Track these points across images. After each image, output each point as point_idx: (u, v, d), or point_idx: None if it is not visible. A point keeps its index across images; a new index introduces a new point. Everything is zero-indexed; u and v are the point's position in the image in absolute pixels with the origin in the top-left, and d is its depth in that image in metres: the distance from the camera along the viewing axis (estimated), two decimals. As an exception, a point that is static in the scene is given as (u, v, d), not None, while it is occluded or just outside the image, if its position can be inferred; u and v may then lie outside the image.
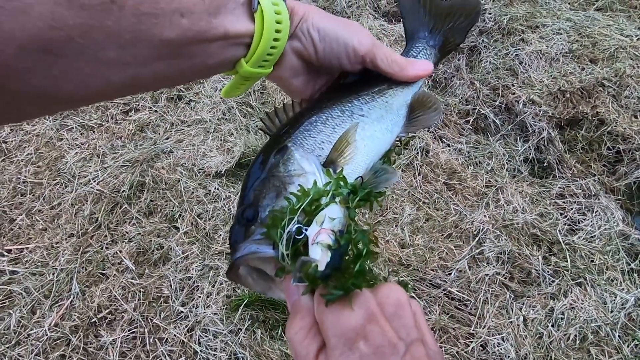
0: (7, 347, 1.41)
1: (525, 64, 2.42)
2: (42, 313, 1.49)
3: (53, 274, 1.58)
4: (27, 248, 1.66)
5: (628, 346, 1.42)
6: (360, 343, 0.28)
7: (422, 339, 0.30)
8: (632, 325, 1.46)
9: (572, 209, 1.81)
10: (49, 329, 1.44)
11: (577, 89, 2.22)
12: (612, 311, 1.49)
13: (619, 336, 1.43)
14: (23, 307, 1.50)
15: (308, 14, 0.45)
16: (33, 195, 1.84)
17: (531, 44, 2.50)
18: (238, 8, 0.41)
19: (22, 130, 2.08)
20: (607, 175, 1.97)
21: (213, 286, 1.54)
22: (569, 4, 2.84)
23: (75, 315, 1.47)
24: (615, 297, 1.52)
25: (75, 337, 1.42)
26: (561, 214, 1.79)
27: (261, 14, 0.41)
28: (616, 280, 1.58)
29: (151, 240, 1.66)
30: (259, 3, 0.41)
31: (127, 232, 1.69)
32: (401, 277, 1.58)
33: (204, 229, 1.70)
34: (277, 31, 0.42)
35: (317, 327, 0.32)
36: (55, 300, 1.52)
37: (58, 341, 1.43)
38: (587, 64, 2.35)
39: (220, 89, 2.28)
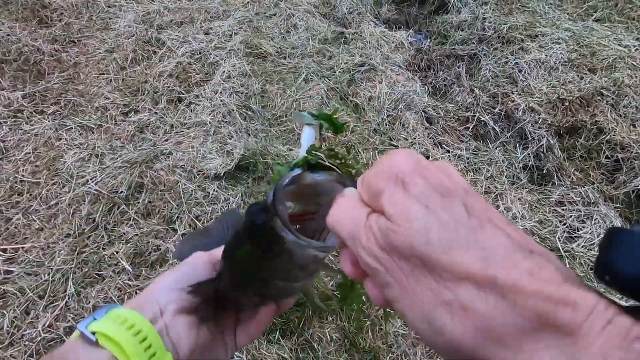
0: (0, 348, 1.38)
1: (525, 72, 2.44)
2: (36, 313, 1.47)
3: (48, 274, 1.56)
4: (22, 248, 1.64)
5: (628, 354, 1.41)
6: (418, 180, 0.25)
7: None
8: (631, 334, 1.46)
9: (571, 216, 1.81)
10: (42, 330, 1.42)
11: (576, 97, 2.23)
12: (611, 319, 1.48)
13: (618, 344, 1.43)
14: (17, 307, 1.47)
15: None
16: (30, 194, 1.82)
17: (530, 52, 2.52)
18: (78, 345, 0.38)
19: (21, 129, 2.06)
20: (606, 183, 1.97)
21: (210, 289, 1.53)
22: (567, 14, 2.87)
23: (70, 317, 1.45)
24: (615, 305, 1.52)
25: (69, 338, 1.40)
26: (560, 222, 1.79)
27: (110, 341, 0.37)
28: (615, 288, 1.57)
29: (148, 242, 1.65)
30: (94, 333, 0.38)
31: (125, 233, 1.67)
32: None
33: (202, 231, 1.69)
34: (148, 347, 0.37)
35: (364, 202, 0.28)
36: (50, 300, 1.50)
37: (52, 342, 1.41)
38: (585, 73, 2.36)
39: (221, 92, 2.28)
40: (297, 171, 0.33)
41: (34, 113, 2.15)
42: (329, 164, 0.33)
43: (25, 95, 2.22)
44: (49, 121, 2.10)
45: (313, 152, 0.34)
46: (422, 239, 0.23)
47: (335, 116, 0.40)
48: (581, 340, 0.20)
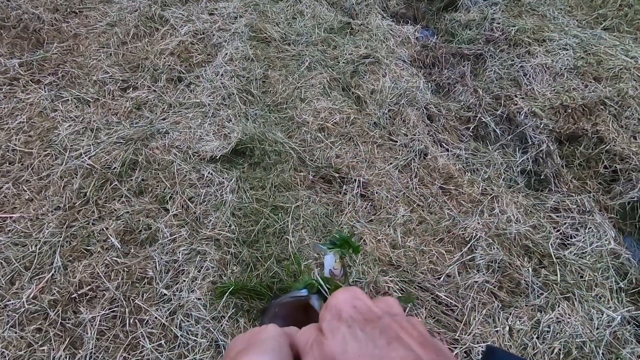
0: (-18, 317, 1.37)
1: (530, 76, 2.42)
2: (21, 284, 1.45)
3: (36, 245, 1.53)
4: (11, 217, 1.61)
5: (611, 364, 1.42)
6: (348, 309, 0.33)
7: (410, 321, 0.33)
8: (616, 344, 1.46)
9: (565, 223, 1.80)
10: (27, 301, 1.40)
11: (579, 105, 2.22)
12: (598, 328, 1.49)
13: (602, 354, 1.43)
14: (2, 277, 1.45)
15: None
16: (22, 164, 1.79)
17: (537, 56, 2.50)
18: None
19: (16, 97, 2.03)
20: (603, 193, 1.97)
21: (199, 271, 1.51)
22: (577, 20, 2.84)
23: (55, 290, 1.43)
24: (602, 315, 1.52)
25: (53, 311, 1.38)
26: (554, 228, 1.79)
27: None
28: (604, 297, 1.58)
29: (139, 220, 1.63)
30: None
31: (116, 210, 1.65)
32: (390, 277, 1.56)
33: (194, 212, 1.67)
34: None
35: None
36: (36, 272, 1.48)
37: (35, 314, 1.39)
38: (590, 82, 2.35)
39: (222, 74, 2.25)
40: (304, 292, 0.44)
41: (30, 82, 2.11)
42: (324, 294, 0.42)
43: (22, 63, 2.18)
44: (45, 91, 2.07)
45: (323, 281, 0.43)
46: (340, 348, 0.30)
47: (352, 239, 0.49)
48: None
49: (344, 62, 2.47)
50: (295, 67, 2.43)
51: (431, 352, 0.29)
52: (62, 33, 2.41)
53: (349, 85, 2.36)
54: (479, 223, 1.77)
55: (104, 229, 1.60)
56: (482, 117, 2.26)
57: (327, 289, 0.42)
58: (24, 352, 1.30)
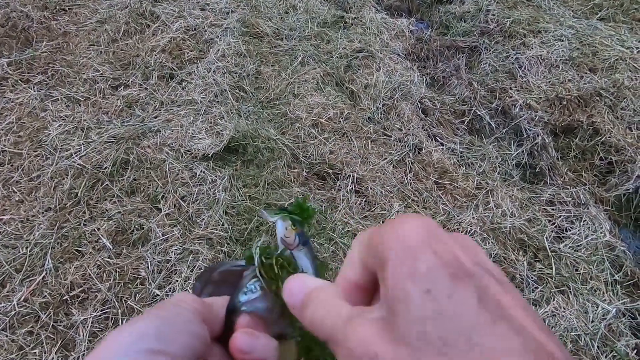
0: (-27, 320, 1.36)
1: (525, 68, 2.40)
2: (12, 287, 1.43)
3: (26, 247, 1.52)
4: (1, 220, 1.60)
5: (606, 357, 1.41)
6: (427, 255, 0.21)
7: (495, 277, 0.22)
8: (611, 337, 1.46)
9: (560, 216, 1.80)
10: (17, 304, 1.39)
11: (575, 97, 2.20)
12: (592, 321, 1.48)
13: (597, 346, 1.43)
14: (-8, 280, 1.44)
15: None
16: (11, 165, 1.78)
17: (532, 48, 2.48)
18: None
19: (5, 97, 2.00)
20: (598, 185, 1.96)
21: (192, 270, 1.50)
22: (572, 11, 2.82)
23: (46, 292, 1.42)
24: (597, 307, 1.52)
25: (45, 313, 1.37)
26: (549, 221, 1.78)
27: None
28: (599, 290, 1.57)
29: (131, 220, 1.61)
30: None
31: (107, 210, 1.64)
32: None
33: (187, 212, 1.65)
34: None
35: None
36: (27, 275, 1.47)
37: (27, 317, 1.38)
38: (586, 73, 2.33)
39: (215, 70, 2.22)
40: (243, 263, 0.39)
41: (19, 81, 2.09)
42: (266, 271, 0.37)
43: (10, 62, 2.15)
44: (34, 91, 2.04)
45: (262, 252, 0.38)
46: (415, 331, 0.19)
47: (306, 205, 0.42)
48: None
49: (337, 57, 2.44)
50: (288, 63, 2.40)
51: (552, 340, 0.20)
52: (51, 31, 2.38)
53: (343, 80, 2.34)
54: (473, 217, 1.76)
55: (96, 229, 1.58)
56: (477, 111, 2.24)
57: (263, 260, 0.37)
58: (16, 356, 1.29)
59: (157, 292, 1.45)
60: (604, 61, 2.37)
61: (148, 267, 1.50)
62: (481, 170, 1.98)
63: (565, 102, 2.20)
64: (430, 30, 2.88)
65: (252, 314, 0.35)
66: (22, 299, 1.41)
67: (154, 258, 1.52)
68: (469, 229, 1.71)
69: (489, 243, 1.68)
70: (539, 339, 0.19)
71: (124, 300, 1.43)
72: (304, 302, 0.27)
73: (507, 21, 2.68)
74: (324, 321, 0.24)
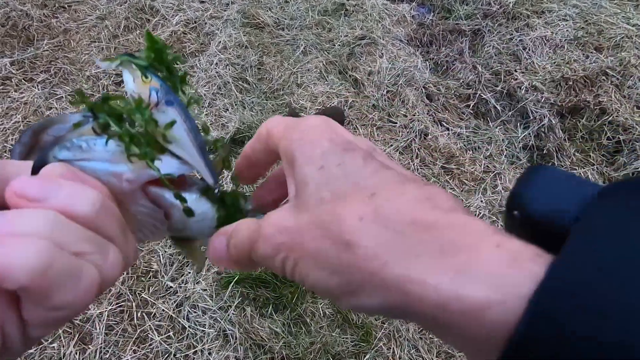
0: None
1: (529, 50, 2.38)
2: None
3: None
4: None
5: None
6: (323, 141, 0.24)
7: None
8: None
9: (569, 197, 1.79)
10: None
11: (581, 77, 2.18)
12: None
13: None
14: None
15: None
16: (20, 164, 1.79)
17: (536, 29, 2.45)
18: None
19: (10, 97, 2.01)
20: (606, 165, 1.95)
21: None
22: (576, -10, 2.78)
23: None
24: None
25: None
26: (558, 202, 1.77)
27: None
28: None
29: (141, 214, 1.62)
30: None
31: (117, 205, 1.65)
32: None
33: (196, 204, 1.66)
34: None
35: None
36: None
37: None
38: (591, 52, 2.31)
39: (217, 63, 2.21)
40: (77, 118, 0.28)
41: (23, 81, 2.09)
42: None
43: (13, 62, 2.15)
44: (38, 89, 2.04)
45: (99, 107, 0.27)
46: (314, 199, 0.22)
47: (158, 40, 0.29)
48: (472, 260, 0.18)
49: (339, 45, 2.43)
50: (291, 52, 2.39)
51: (419, 180, 0.23)
52: (52, 29, 2.37)
53: (346, 68, 2.33)
54: (482, 201, 1.76)
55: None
56: (482, 94, 2.22)
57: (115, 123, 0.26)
58: (35, 350, 1.32)
59: (170, 284, 1.46)
60: (610, 40, 2.34)
61: (160, 260, 1.51)
62: (488, 154, 1.97)
63: (571, 83, 2.18)
64: (432, 14, 2.85)
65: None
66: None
67: (165, 251, 1.53)
68: (477, 212, 1.71)
69: (498, 226, 1.67)
70: (408, 175, 0.23)
71: (138, 293, 1.44)
72: (228, 246, 0.27)
73: (509, 2, 2.64)
74: (244, 236, 0.25)
